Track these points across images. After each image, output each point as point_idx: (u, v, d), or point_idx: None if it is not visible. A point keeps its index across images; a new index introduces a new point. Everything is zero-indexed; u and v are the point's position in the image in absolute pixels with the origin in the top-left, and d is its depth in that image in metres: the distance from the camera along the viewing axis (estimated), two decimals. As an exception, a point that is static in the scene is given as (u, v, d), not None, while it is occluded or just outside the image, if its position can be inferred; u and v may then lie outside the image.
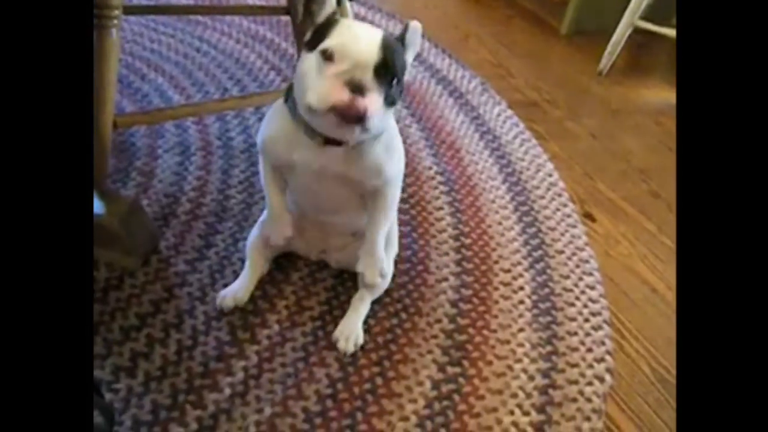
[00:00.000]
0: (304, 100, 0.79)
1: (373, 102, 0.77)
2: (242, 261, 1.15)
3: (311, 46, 0.81)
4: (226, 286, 1.09)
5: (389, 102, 0.81)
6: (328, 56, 0.77)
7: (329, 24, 0.81)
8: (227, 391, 0.94)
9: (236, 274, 1.12)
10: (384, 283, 1.09)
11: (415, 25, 0.84)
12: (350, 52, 0.77)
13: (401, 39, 0.84)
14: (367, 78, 0.77)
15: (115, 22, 1.07)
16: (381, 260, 0.97)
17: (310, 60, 0.80)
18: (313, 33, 0.82)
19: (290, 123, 0.88)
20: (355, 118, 0.77)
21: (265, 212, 1.10)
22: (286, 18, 1.72)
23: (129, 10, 1.50)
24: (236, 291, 1.06)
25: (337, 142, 0.86)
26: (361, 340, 1.03)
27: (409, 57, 0.86)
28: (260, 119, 1.52)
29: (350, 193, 0.96)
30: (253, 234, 1.11)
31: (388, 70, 0.78)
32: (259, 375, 0.97)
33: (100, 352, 0.97)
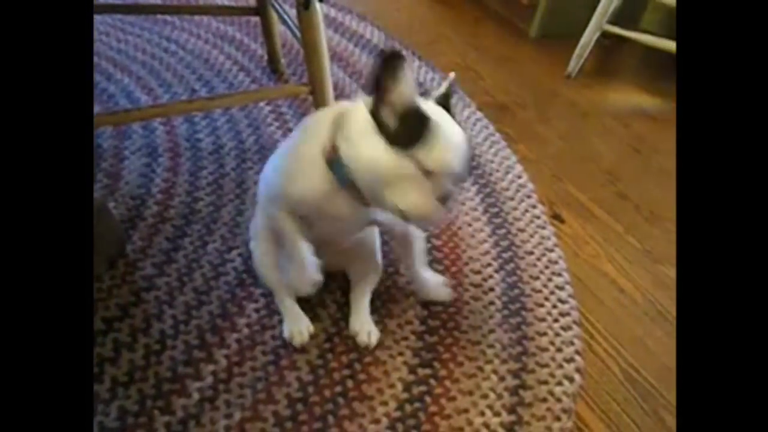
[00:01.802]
0: (394, 203, 0.79)
1: (454, 207, 0.80)
2: (210, 264, 1.13)
3: (400, 143, 0.76)
4: (194, 290, 1.08)
5: None
6: (428, 173, 0.77)
7: (423, 127, 0.76)
8: (196, 396, 0.93)
9: (205, 278, 1.11)
10: (378, 275, 1.12)
11: (452, 77, 0.88)
12: (451, 170, 0.78)
13: (447, 95, 0.86)
14: (453, 185, 0.80)
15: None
16: (435, 277, 1.11)
17: (403, 164, 0.77)
18: (401, 126, 0.77)
19: (333, 186, 0.84)
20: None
21: (258, 247, 1.06)
22: (255, 19, 1.71)
23: (95, 9, 1.48)
24: (298, 323, 1.03)
25: None
26: (378, 334, 1.05)
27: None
28: (229, 120, 1.51)
29: (374, 231, 1.06)
30: (263, 270, 1.06)
31: (466, 176, 0.83)
32: (229, 379, 0.96)
33: (65, 358, 0.95)
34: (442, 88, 0.87)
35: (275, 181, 0.92)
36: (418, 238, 1.04)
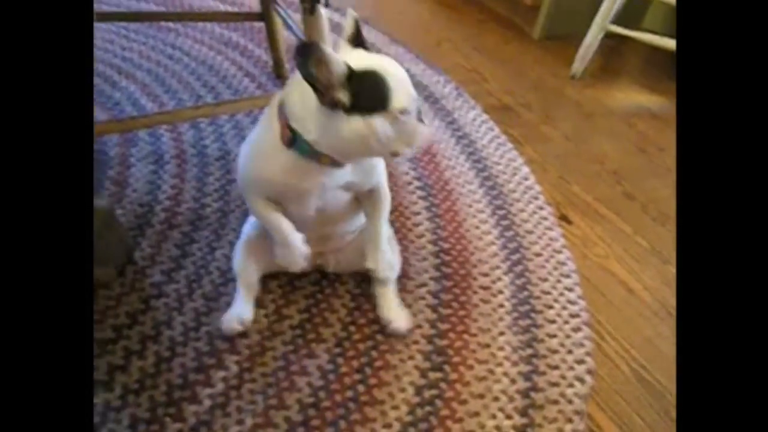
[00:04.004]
0: (394, 151, 0.83)
1: (427, 117, 0.85)
2: (219, 270, 1.13)
3: (364, 109, 0.79)
4: (204, 296, 1.08)
5: None
6: (404, 111, 0.80)
7: (376, 81, 0.79)
8: (207, 402, 0.93)
9: (214, 284, 1.11)
10: (398, 265, 1.13)
11: (354, 14, 0.87)
12: (412, 97, 0.82)
13: (357, 32, 0.87)
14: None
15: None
16: (387, 253, 1.02)
17: (378, 122, 0.79)
18: (357, 95, 0.78)
19: (298, 159, 0.86)
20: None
21: (246, 233, 1.10)
22: (259, 24, 1.71)
23: (99, 17, 1.48)
24: (239, 313, 1.03)
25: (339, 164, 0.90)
26: (409, 318, 1.08)
27: None
28: (235, 126, 1.51)
29: (348, 198, 1.00)
30: (238, 255, 1.09)
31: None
32: (240, 385, 0.96)
33: (76, 366, 0.95)
34: (349, 28, 0.87)
35: (244, 172, 0.95)
36: (386, 195, 1.01)
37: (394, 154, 0.84)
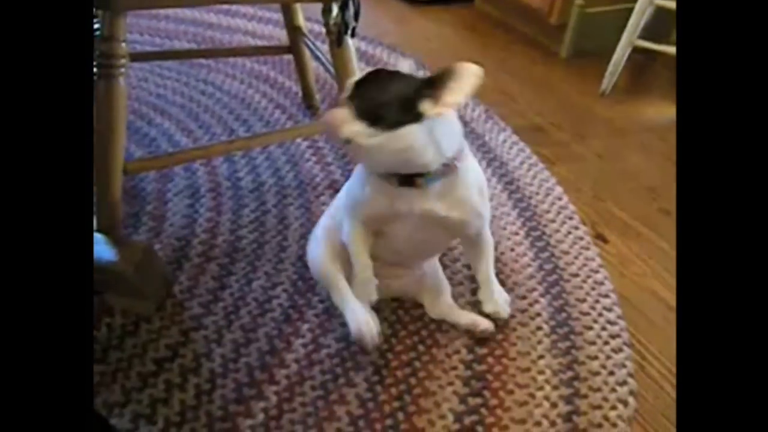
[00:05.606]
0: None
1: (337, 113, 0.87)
2: (256, 300, 1.15)
3: None
4: (242, 327, 1.09)
5: (365, 119, 0.86)
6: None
7: None
8: (248, 433, 0.94)
9: (251, 315, 1.12)
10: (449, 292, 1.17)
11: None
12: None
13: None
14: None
15: (122, 70, 1.09)
16: (502, 293, 1.11)
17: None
18: None
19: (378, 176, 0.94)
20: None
21: (321, 244, 1.09)
22: (288, 57, 1.74)
23: (133, 57, 1.53)
24: (368, 322, 1.01)
25: (409, 182, 0.92)
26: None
27: None
28: (267, 158, 1.53)
29: (447, 237, 1.08)
30: (322, 252, 1.08)
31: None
32: (280, 416, 0.96)
33: (119, 400, 0.97)
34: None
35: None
36: (489, 243, 1.07)
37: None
